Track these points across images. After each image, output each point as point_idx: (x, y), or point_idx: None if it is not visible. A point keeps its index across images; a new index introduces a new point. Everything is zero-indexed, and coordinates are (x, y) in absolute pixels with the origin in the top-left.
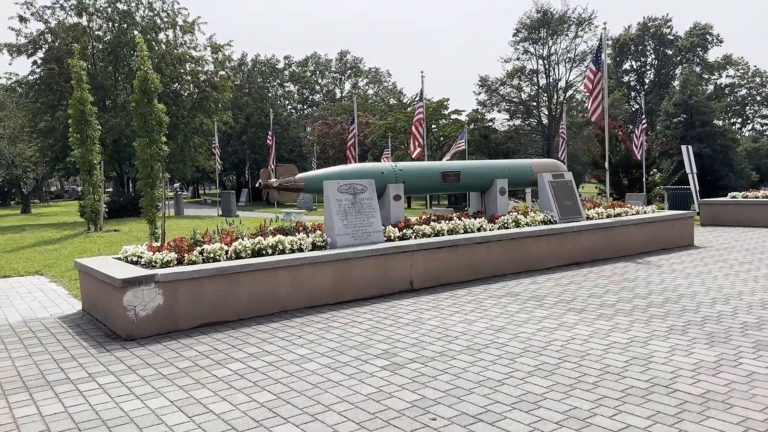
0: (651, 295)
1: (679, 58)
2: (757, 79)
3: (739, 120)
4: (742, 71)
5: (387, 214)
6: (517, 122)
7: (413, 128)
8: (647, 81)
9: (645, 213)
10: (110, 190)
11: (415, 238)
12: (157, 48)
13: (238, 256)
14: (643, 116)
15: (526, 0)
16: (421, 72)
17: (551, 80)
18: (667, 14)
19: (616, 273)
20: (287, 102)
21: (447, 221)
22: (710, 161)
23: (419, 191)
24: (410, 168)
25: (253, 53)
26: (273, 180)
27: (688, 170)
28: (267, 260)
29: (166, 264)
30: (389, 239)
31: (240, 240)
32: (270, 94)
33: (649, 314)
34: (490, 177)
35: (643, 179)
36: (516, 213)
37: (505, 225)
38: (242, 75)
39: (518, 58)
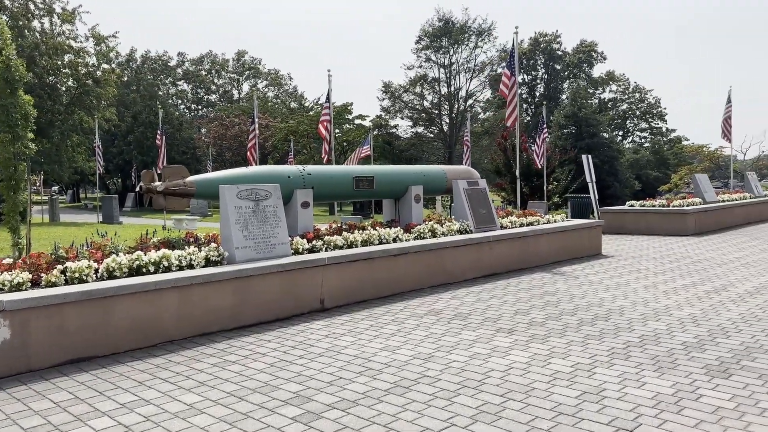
0: (578, 311)
1: (567, 73)
2: (637, 95)
3: (621, 133)
4: (623, 87)
5: (294, 223)
6: (420, 130)
7: (320, 129)
8: (538, 94)
9: (555, 222)
10: None
11: (326, 250)
12: (30, 36)
13: (111, 276)
14: (545, 126)
15: (428, 8)
16: (328, 71)
17: (452, 89)
18: (557, 30)
19: (534, 285)
20: (180, 101)
21: (360, 231)
22: (598, 171)
23: (329, 198)
24: (320, 172)
25: (143, 49)
26: (158, 183)
27: (588, 179)
28: (148, 280)
29: (17, 287)
30: (297, 252)
31: (114, 256)
32: (161, 93)
33: (583, 334)
34: (404, 183)
35: (544, 187)
36: (432, 222)
37: (422, 235)
38: (130, 71)
39: (420, 66)
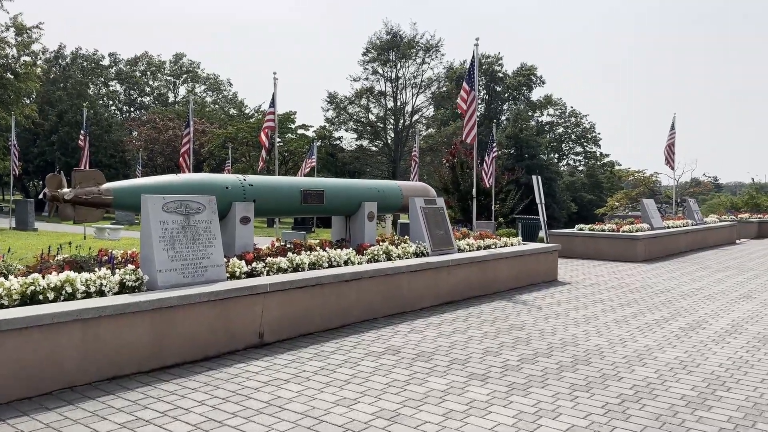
0: (553, 352)
1: (506, 95)
2: (573, 119)
3: (557, 155)
4: (560, 111)
5: (231, 241)
6: (365, 143)
7: (262, 136)
8: (479, 114)
9: (512, 246)
10: None
11: (268, 274)
12: None
13: None
14: (494, 145)
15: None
16: (274, 73)
17: (399, 103)
18: (499, 53)
19: (498, 317)
20: (111, 102)
21: (308, 252)
22: (533, 192)
23: (273, 213)
24: (263, 183)
25: (73, 45)
26: (66, 190)
27: (537, 200)
28: (44, 311)
29: None
30: (233, 276)
31: (2, 279)
32: (91, 92)
33: (567, 383)
34: (357, 199)
35: (493, 207)
36: (386, 243)
37: (375, 257)
38: (59, 68)
39: (367, 78)
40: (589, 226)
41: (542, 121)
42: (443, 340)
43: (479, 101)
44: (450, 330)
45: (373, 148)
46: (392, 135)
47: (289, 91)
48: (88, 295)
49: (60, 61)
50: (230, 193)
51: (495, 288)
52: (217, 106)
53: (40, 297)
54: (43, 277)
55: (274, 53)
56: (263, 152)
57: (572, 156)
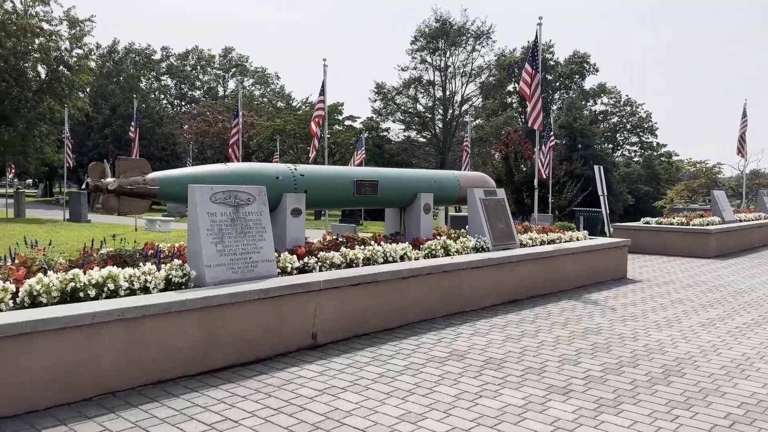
0: (639, 360)
1: (558, 84)
2: (628, 108)
3: (611, 146)
4: (614, 99)
5: (281, 234)
6: (412, 134)
7: (312, 125)
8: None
9: (579, 240)
10: None
11: (321, 269)
12: None
13: (34, 303)
14: (551, 134)
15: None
16: (323, 60)
17: (447, 93)
18: (550, 40)
19: (569, 318)
20: (162, 96)
21: (361, 246)
22: (592, 184)
23: (326, 204)
24: (315, 173)
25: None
26: (109, 180)
27: (599, 192)
28: (84, 310)
29: None
30: (284, 272)
31: (41, 275)
32: (143, 86)
33: (662, 399)
34: (413, 190)
35: (550, 200)
36: (444, 237)
37: (433, 252)
38: (112, 63)
39: (415, 68)
40: (656, 219)
41: (596, 111)
42: (512, 344)
43: None
44: (518, 333)
45: (421, 139)
46: (440, 125)
47: (337, 83)
48: (131, 292)
49: (113, 55)
50: (281, 183)
51: (560, 286)
52: (265, 99)
53: (81, 294)
54: (85, 273)
55: (322, 44)
56: (315, 142)
57: (627, 146)
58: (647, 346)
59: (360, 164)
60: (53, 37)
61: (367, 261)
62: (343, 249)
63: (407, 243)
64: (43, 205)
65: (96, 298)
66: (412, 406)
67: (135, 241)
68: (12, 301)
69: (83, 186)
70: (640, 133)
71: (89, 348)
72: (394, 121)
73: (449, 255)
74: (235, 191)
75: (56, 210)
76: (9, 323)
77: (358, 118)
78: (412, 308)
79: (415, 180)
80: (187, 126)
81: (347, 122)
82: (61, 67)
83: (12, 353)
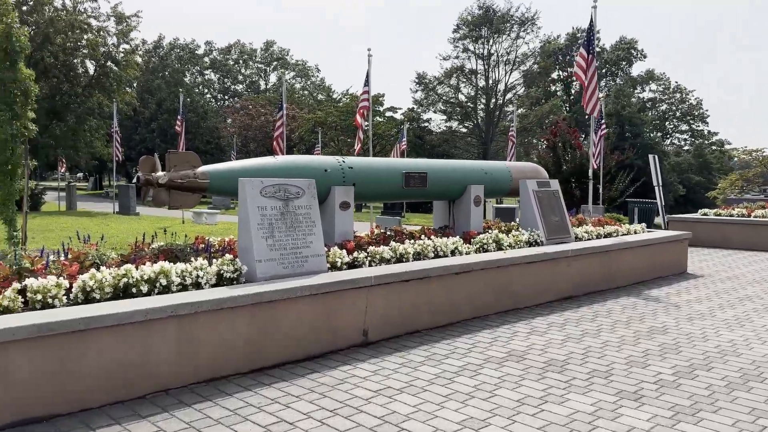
0: (712, 363)
1: (604, 71)
2: (678, 95)
3: (660, 134)
4: (663, 86)
5: (330, 228)
6: (454, 125)
7: (357, 117)
8: (573, 92)
9: (636, 233)
10: None
11: (370, 264)
12: (48, 11)
13: (88, 298)
14: (603, 121)
15: None
16: (368, 50)
17: (490, 82)
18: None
19: (631, 317)
20: (206, 90)
21: (411, 240)
22: (640, 174)
23: (374, 197)
24: (363, 166)
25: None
26: (160, 174)
27: (654, 182)
28: (136, 307)
29: None
30: (334, 267)
31: (94, 270)
32: (187, 81)
33: (746, 407)
34: (462, 182)
35: (600, 190)
36: (495, 230)
37: (484, 246)
38: (157, 58)
39: (457, 57)
40: (714, 210)
41: (644, 98)
42: (573, 345)
43: (574, 78)
44: (578, 332)
45: (463, 130)
46: (483, 115)
47: (377, 74)
48: (183, 287)
49: (158, 51)
50: (329, 176)
51: (618, 282)
52: (305, 92)
53: (133, 290)
54: (137, 268)
55: (362, 35)
56: (360, 133)
57: (677, 135)
58: (719, 347)
59: (402, 156)
60: (101, 32)
61: (418, 256)
62: (392, 243)
63: (458, 237)
64: (94, 198)
65: (148, 294)
66: (473, 411)
67: (185, 235)
68: (65, 296)
69: (134, 180)
70: (691, 121)
71: (142, 345)
72: (435, 112)
73: (502, 249)
74: (285, 185)
75: (106, 203)
76: (63, 320)
77: (399, 109)
78: (464, 305)
79: (466, 171)
80: (230, 120)
81: (388, 113)
82: (109, 63)
83: (66, 351)
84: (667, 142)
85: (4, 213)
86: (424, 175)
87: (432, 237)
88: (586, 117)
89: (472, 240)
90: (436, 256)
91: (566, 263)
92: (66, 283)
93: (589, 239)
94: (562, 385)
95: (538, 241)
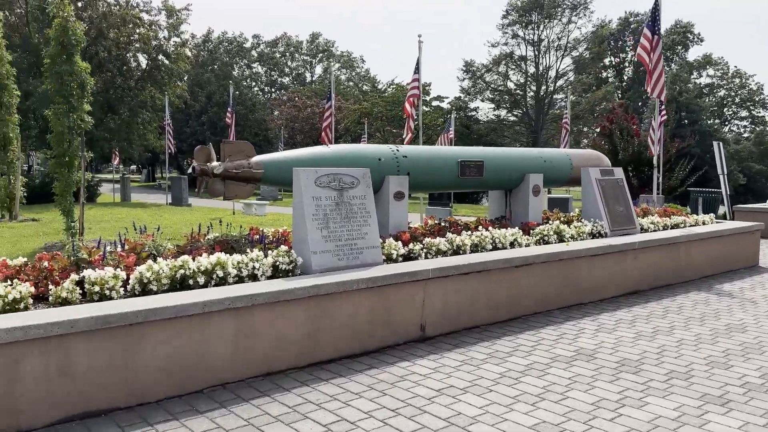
0: None
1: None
2: (737, 80)
3: (718, 121)
4: (721, 71)
5: (384, 219)
6: (503, 113)
7: (406, 105)
8: (626, 78)
9: (704, 224)
10: (42, 169)
11: (426, 256)
12: (102, 7)
13: (145, 290)
14: (663, 107)
15: None
16: (419, 36)
17: (540, 69)
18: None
19: (704, 313)
20: (254, 83)
21: (468, 232)
22: (699, 161)
23: (428, 187)
24: (417, 155)
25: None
26: (215, 164)
27: (719, 170)
28: (194, 299)
29: (13, 305)
30: (389, 259)
31: (151, 262)
32: (235, 74)
33: None
34: (520, 171)
35: (659, 179)
36: (556, 221)
37: (545, 238)
38: (206, 52)
39: (506, 43)
40: None
41: (701, 84)
42: (646, 343)
43: (628, 63)
44: (649, 330)
45: (511, 118)
46: (532, 103)
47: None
48: (239, 279)
49: (207, 45)
50: (383, 165)
51: (686, 275)
52: (351, 83)
53: (190, 282)
54: (194, 260)
55: (408, 23)
56: (410, 123)
57: (736, 121)
58: None
59: (450, 145)
60: (152, 26)
61: (475, 248)
62: (449, 234)
63: (517, 228)
64: (146, 189)
65: (204, 285)
66: (545, 414)
67: (240, 227)
68: (122, 288)
69: (189, 170)
70: (751, 107)
71: (200, 338)
72: (482, 101)
73: (563, 241)
74: (340, 174)
75: (158, 194)
76: (121, 313)
77: (446, 98)
78: (524, 299)
79: (524, 160)
80: (277, 112)
81: (434, 103)
82: (161, 56)
83: (124, 343)
84: (726, 129)
85: (62, 204)
86: (480, 163)
87: (490, 228)
88: (648, 101)
89: (531, 231)
90: (494, 248)
91: (633, 256)
92: (123, 274)
93: (655, 230)
94: (639, 387)
95: (602, 232)
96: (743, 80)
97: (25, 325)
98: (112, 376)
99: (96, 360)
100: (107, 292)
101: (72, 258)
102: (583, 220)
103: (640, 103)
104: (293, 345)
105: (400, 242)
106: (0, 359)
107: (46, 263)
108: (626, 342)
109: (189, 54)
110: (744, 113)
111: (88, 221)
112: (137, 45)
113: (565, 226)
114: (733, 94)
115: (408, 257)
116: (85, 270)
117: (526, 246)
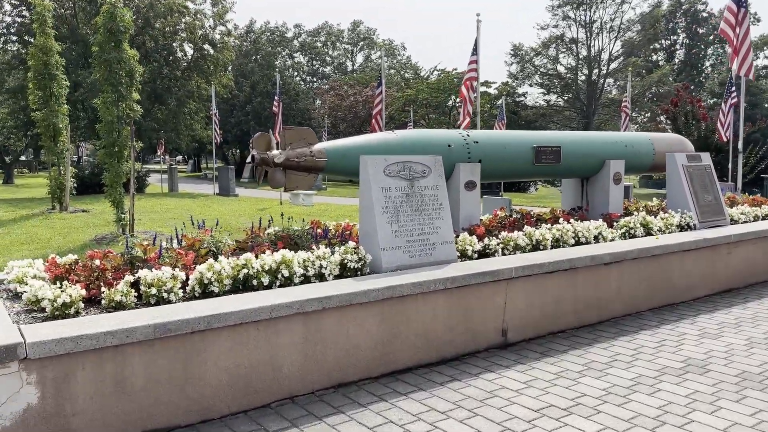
0: None
1: (711, 37)
2: None
3: None
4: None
5: (454, 212)
6: (553, 98)
7: (463, 89)
8: (677, 61)
9: None
10: (91, 159)
11: (503, 253)
12: None
13: (205, 292)
14: (733, 89)
15: None
16: (477, 15)
17: (593, 51)
18: None
19: None
20: (296, 73)
21: (548, 225)
22: (760, 147)
23: (500, 176)
24: (490, 140)
25: (262, 20)
26: (276, 152)
27: None
28: (261, 303)
29: (62, 310)
30: (464, 255)
31: (212, 261)
32: (278, 64)
33: None
34: (600, 157)
35: (729, 165)
36: (642, 213)
37: (631, 231)
38: (249, 42)
39: (557, 25)
40: None
41: (759, 66)
42: (763, 352)
43: (679, 46)
44: (761, 335)
45: (561, 103)
46: (584, 87)
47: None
48: (305, 279)
49: (250, 35)
50: (453, 152)
51: None
52: (392, 70)
53: (254, 282)
54: (256, 257)
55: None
56: (468, 107)
57: None
58: None
59: None
60: (198, 15)
61: (556, 242)
62: (526, 228)
63: (600, 221)
64: (193, 180)
65: (269, 286)
66: None
67: (303, 220)
68: (181, 290)
69: (248, 159)
70: None
71: (266, 346)
72: (531, 85)
73: (651, 234)
74: (410, 162)
75: (205, 184)
76: (183, 319)
77: (493, 83)
78: (614, 300)
79: (604, 144)
80: (320, 101)
81: (482, 88)
82: (206, 45)
83: (185, 353)
84: None
85: (113, 195)
86: (557, 149)
87: (571, 221)
88: (705, 84)
89: (615, 224)
90: (577, 242)
91: (727, 250)
92: (182, 275)
93: (746, 221)
94: None
95: (691, 224)
96: None
97: (77, 335)
98: (172, 390)
99: (154, 373)
100: (165, 295)
101: (126, 256)
102: (670, 211)
103: (692, 87)
104: (365, 353)
105: (474, 237)
106: (49, 374)
107: (97, 262)
108: (739, 350)
109: (234, 42)
110: None
111: (137, 212)
112: (183, 35)
113: (652, 217)
114: None
115: (483, 254)
116: (140, 269)
117: (611, 240)
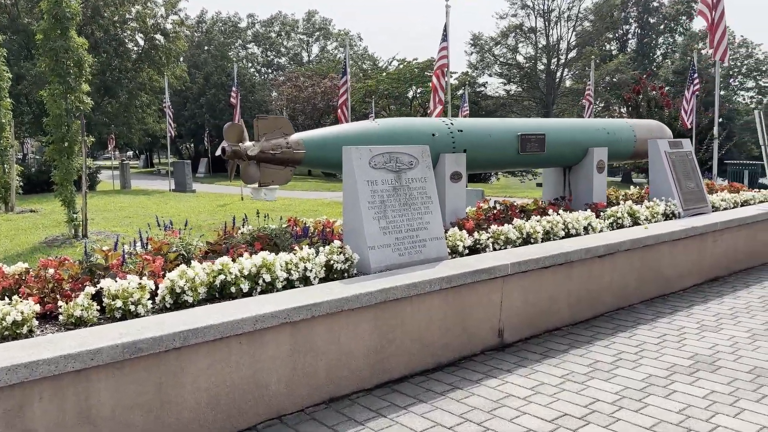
0: None
1: (662, 27)
2: (743, 50)
3: (723, 92)
4: (727, 41)
5: (440, 205)
6: (513, 88)
7: (434, 79)
8: (629, 50)
9: None
10: (38, 156)
11: (494, 248)
12: None
13: (177, 302)
14: (695, 76)
15: None
16: (446, 2)
17: (551, 41)
18: None
19: None
20: (250, 64)
21: (537, 217)
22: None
23: (485, 166)
24: (474, 128)
25: (213, 10)
26: (249, 144)
27: (761, 141)
28: (243, 314)
29: (13, 330)
30: (454, 252)
31: (183, 266)
32: (231, 55)
33: None
34: (584, 144)
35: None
36: (627, 201)
37: (619, 221)
38: (201, 33)
39: (515, 15)
40: None
41: (707, 54)
42: (764, 341)
43: (631, 35)
44: (760, 326)
45: (522, 93)
46: (543, 77)
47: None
48: (289, 283)
49: (201, 26)
50: (437, 141)
51: (763, 257)
52: (350, 62)
53: (232, 289)
54: (234, 261)
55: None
56: (440, 95)
57: (742, 92)
58: None
59: None
60: (148, 4)
61: (546, 235)
62: (516, 221)
63: (588, 211)
64: (146, 176)
65: (249, 293)
66: None
67: (280, 218)
68: (150, 301)
69: (218, 152)
70: (757, 77)
71: (251, 361)
72: (491, 75)
73: (638, 224)
74: (396, 153)
75: (159, 180)
76: (155, 337)
77: (454, 73)
78: (605, 294)
79: (586, 132)
80: (276, 93)
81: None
82: (158, 35)
83: (158, 376)
84: (738, 99)
85: (63, 193)
86: (542, 137)
87: (560, 212)
88: (658, 74)
89: (601, 213)
90: (567, 234)
91: (713, 238)
92: (151, 283)
93: (726, 208)
94: None
95: (675, 213)
96: (749, 50)
97: (32, 361)
98: (146, 417)
99: (124, 398)
100: (132, 307)
101: (85, 263)
102: (654, 199)
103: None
104: (358, 361)
105: (464, 231)
106: (0, 407)
107: (52, 271)
108: (743, 344)
109: (187, 32)
110: (750, 83)
111: (90, 211)
112: (134, 24)
113: (638, 206)
114: (739, 64)
115: (473, 249)
116: (102, 279)
117: (600, 231)
